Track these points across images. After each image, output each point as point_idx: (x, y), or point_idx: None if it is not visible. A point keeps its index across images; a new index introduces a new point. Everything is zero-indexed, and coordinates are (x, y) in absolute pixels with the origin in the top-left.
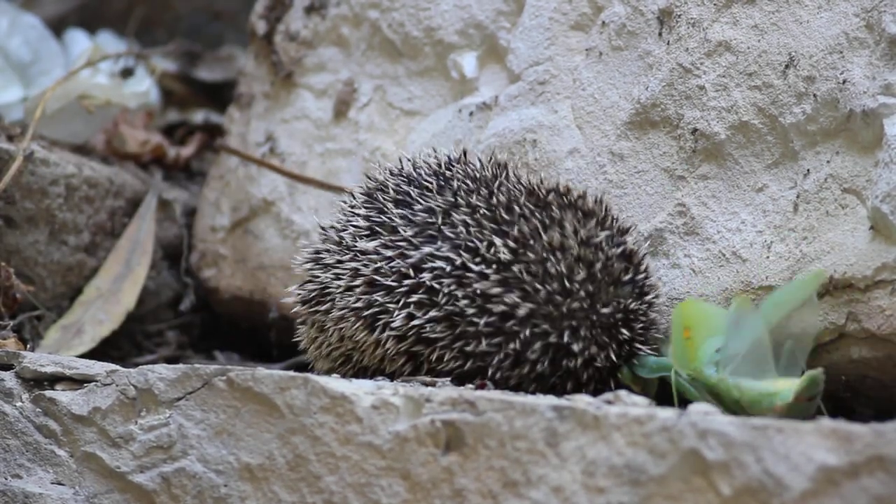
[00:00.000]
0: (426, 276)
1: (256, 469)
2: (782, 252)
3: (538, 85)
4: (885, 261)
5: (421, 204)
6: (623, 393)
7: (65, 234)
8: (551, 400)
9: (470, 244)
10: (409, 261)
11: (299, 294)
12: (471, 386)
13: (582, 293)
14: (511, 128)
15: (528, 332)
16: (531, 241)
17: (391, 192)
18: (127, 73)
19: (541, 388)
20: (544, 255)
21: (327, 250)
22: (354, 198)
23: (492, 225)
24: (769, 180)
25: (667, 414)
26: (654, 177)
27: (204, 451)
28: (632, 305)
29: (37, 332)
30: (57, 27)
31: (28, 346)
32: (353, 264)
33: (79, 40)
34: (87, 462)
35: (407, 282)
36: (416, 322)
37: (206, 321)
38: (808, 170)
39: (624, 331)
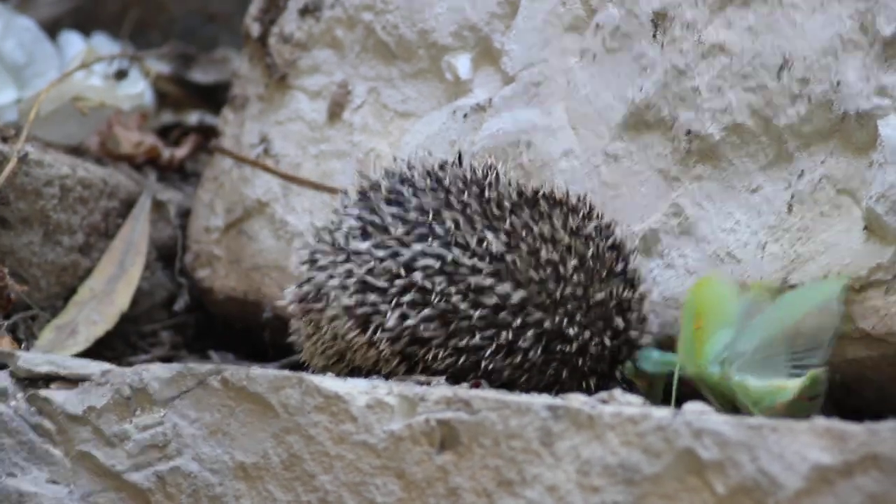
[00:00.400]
0: (418, 274)
1: (251, 468)
2: (777, 252)
3: (532, 86)
4: (880, 261)
5: (412, 203)
6: (618, 392)
7: (59, 234)
8: (546, 399)
9: (460, 240)
10: (401, 259)
11: (294, 293)
12: (466, 385)
13: (575, 280)
14: (505, 129)
15: (520, 321)
16: (523, 233)
17: (384, 192)
18: (121, 74)
19: (535, 380)
20: (536, 245)
21: (322, 251)
22: (348, 197)
23: (483, 221)
24: (763, 181)
25: (661, 413)
26: (649, 178)
27: (199, 450)
28: (625, 294)
29: (31, 332)
30: (51, 29)
31: (22, 345)
32: (347, 265)
33: (73, 42)
34: (82, 461)
35: (399, 281)
36: (409, 322)
37: (201, 321)
38: (802, 170)
39: (618, 319)
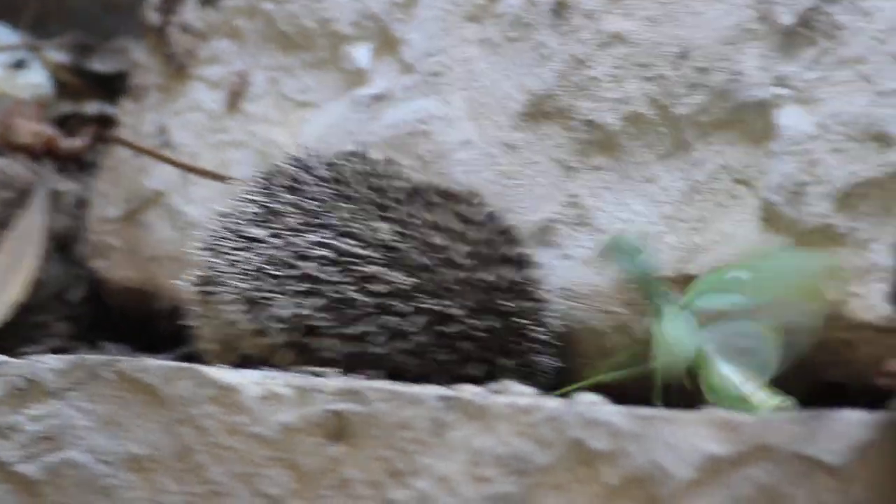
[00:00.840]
0: (311, 265)
1: (144, 460)
2: (673, 243)
3: (432, 76)
4: None
5: (310, 192)
6: (510, 383)
7: None
8: (438, 390)
9: (355, 230)
10: (296, 249)
11: (192, 279)
12: (360, 376)
13: (466, 264)
14: (405, 119)
15: (412, 307)
16: (415, 221)
17: (284, 180)
18: (20, 65)
19: (427, 367)
20: (428, 233)
21: (221, 237)
22: (249, 185)
23: (378, 212)
24: (661, 171)
25: (553, 404)
26: (547, 168)
27: (92, 442)
28: (516, 278)
29: None
30: None
31: None
32: (245, 253)
33: None
34: None
35: (293, 271)
36: (302, 311)
37: (97, 312)
38: (699, 160)
39: (508, 303)
